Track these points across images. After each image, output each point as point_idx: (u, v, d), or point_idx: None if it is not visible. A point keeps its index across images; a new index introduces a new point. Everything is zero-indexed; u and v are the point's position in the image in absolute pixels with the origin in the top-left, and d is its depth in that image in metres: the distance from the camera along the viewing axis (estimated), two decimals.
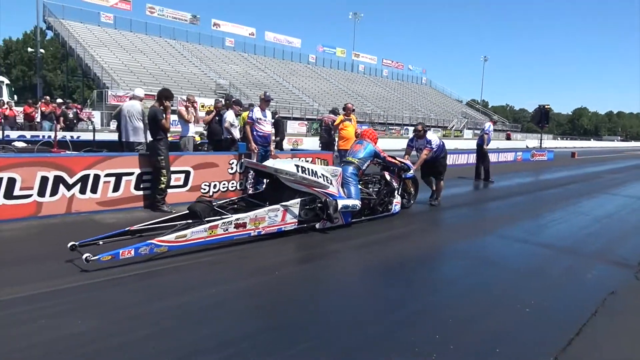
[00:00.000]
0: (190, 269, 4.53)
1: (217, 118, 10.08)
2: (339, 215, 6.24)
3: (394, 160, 7.53)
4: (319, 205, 6.04)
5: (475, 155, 14.31)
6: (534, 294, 4.26)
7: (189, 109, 9.31)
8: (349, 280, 4.65)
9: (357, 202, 6.47)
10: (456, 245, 6.10)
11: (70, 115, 16.80)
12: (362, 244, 5.87)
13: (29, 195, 6.09)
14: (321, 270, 4.89)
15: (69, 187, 6.39)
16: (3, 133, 10.50)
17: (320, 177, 6.07)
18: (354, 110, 10.37)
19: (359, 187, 6.84)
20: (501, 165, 19.00)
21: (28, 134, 13.90)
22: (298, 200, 5.88)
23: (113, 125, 27.58)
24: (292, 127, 37.25)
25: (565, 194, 11.59)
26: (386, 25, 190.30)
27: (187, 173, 7.72)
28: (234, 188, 8.40)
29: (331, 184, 6.24)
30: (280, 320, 3.51)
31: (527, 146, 38.18)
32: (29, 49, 47.18)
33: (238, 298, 3.91)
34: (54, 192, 6.27)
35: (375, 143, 7.38)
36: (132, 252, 4.36)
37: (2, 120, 14.67)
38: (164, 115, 6.95)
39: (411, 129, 48.40)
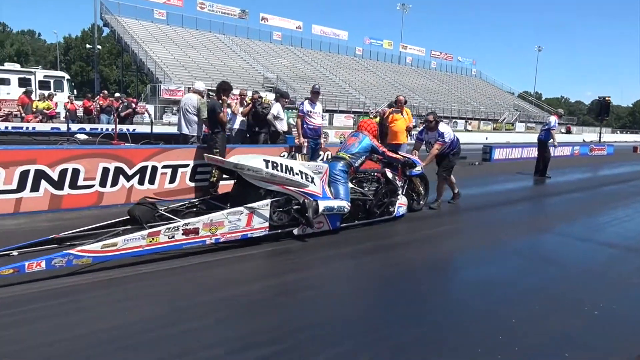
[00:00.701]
0: (241, 262, 4.60)
1: (253, 110, 10.05)
2: (324, 219, 5.48)
3: (395, 156, 6.66)
4: (296, 207, 5.23)
5: (535, 149, 13.72)
6: (600, 295, 4.04)
7: (235, 101, 9.39)
8: (405, 276, 4.57)
9: (345, 204, 5.60)
10: (512, 243, 5.87)
11: (127, 109, 17.39)
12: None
13: (92, 186, 6.37)
14: (378, 265, 4.83)
15: (128, 178, 6.64)
16: (68, 126, 11.03)
17: (297, 174, 5.24)
18: (406, 102, 10.15)
19: (351, 186, 6.03)
20: (558, 160, 18.18)
21: (87, 127, 14.54)
22: (268, 201, 4.99)
23: (166, 118, 28.52)
24: (338, 120, 37.19)
25: (628, 191, 10.97)
26: (435, 15, 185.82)
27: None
28: None
29: (312, 182, 5.42)
30: (325, 316, 3.47)
31: (584, 140, 36.43)
32: (87, 46, 49.42)
33: (282, 293, 3.91)
34: (114, 182, 6.53)
35: (375, 136, 6.51)
36: (43, 264, 3.67)
37: (66, 114, 15.45)
38: (222, 108, 7.05)
39: (460, 122, 47.37)
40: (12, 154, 5.83)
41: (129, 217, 4.63)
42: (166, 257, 4.40)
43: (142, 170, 6.75)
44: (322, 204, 5.30)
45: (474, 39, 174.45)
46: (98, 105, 17.62)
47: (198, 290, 3.84)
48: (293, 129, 9.70)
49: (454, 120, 47.81)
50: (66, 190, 6.17)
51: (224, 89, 7.12)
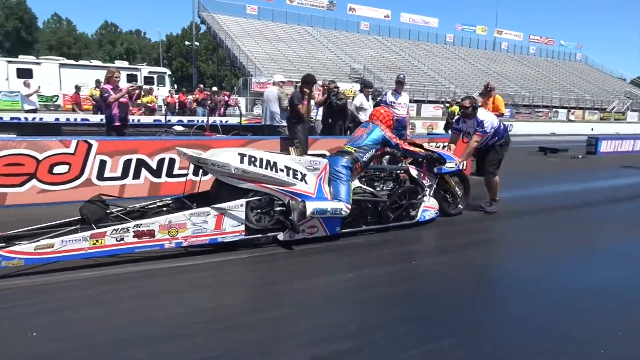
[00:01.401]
0: (333, 251, 4.65)
1: (328, 100, 9.93)
2: (319, 223, 4.80)
3: (414, 149, 5.70)
4: (279, 208, 4.62)
5: None
6: None
7: (318, 93, 9.41)
8: (496, 279, 4.35)
9: (342, 206, 4.79)
10: (613, 247, 5.34)
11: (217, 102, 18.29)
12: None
13: (185, 174, 6.75)
14: (465, 260, 4.64)
15: None
16: (165, 118, 11.83)
17: (281, 170, 4.56)
18: (492, 89, 9.59)
19: (358, 184, 5.26)
20: None
21: (185, 119, 15.49)
22: (242, 201, 4.40)
23: (256, 110, 29.59)
24: (427, 110, 36.20)
25: None
26: None
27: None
28: None
29: (303, 180, 4.73)
30: (417, 312, 3.39)
31: None
32: (186, 42, 52.61)
33: (374, 285, 3.86)
34: (205, 172, 6.86)
35: (389, 126, 5.60)
36: None
37: (165, 107, 16.58)
38: (302, 100, 7.16)
39: (562, 112, 43.94)
40: (117, 144, 6.36)
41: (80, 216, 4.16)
42: (250, 245, 4.55)
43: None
44: (312, 206, 4.58)
45: (579, 20, 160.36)
46: (194, 99, 18.73)
47: (281, 279, 3.94)
48: None
49: (554, 109, 44.54)
50: (163, 178, 6.62)
51: (306, 81, 7.22)
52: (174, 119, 15.43)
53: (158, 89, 22.83)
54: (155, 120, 14.28)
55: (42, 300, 3.34)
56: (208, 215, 4.25)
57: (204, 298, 3.50)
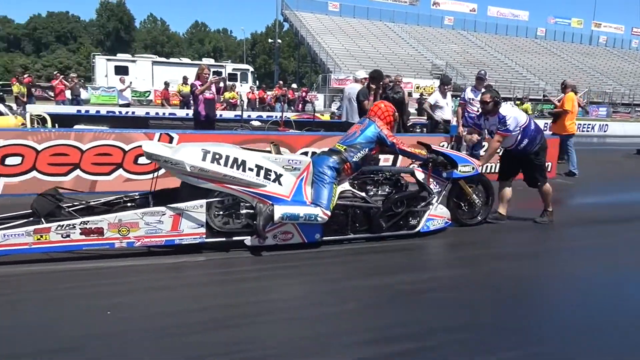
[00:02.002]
0: (398, 251, 4.54)
1: (383, 95, 9.49)
2: (294, 229, 4.30)
3: (412, 151, 4.95)
4: (246, 211, 4.21)
5: None
6: None
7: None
8: (570, 284, 4.00)
9: (318, 211, 4.24)
10: None
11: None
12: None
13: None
14: (545, 266, 4.33)
15: None
16: (242, 113, 12.21)
17: (250, 169, 4.12)
18: (567, 86, 8.91)
19: (346, 188, 4.63)
20: None
21: (264, 115, 15.94)
22: (202, 202, 4.05)
23: (334, 106, 29.77)
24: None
25: None
26: None
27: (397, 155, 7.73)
28: None
29: (276, 181, 4.26)
30: (486, 318, 3.21)
31: None
32: (270, 40, 54.20)
33: (439, 288, 3.72)
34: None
35: (389, 123, 4.89)
36: None
37: (245, 103, 17.16)
38: (368, 96, 7.08)
39: None
40: (196, 137, 6.63)
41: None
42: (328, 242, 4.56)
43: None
44: (281, 210, 4.14)
45: None
46: (274, 95, 19.23)
47: (344, 275, 3.90)
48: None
49: None
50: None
51: (372, 77, 7.15)
52: (253, 114, 15.96)
53: (241, 85, 23.71)
54: (235, 116, 14.79)
55: (126, 281, 3.58)
56: (163, 215, 3.96)
57: (277, 288, 3.55)
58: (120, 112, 14.27)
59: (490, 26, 53.66)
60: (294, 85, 20.84)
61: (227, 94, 18.76)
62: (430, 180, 4.99)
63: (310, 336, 2.86)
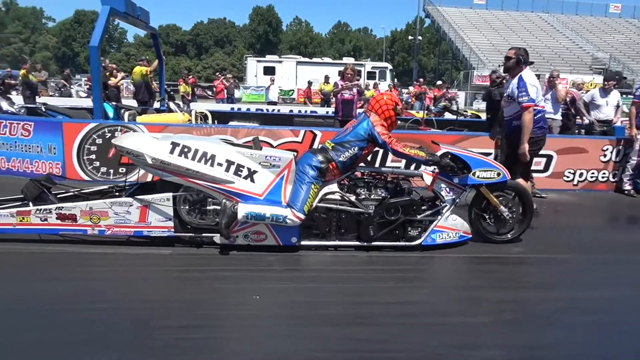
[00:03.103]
0: (544, 263, 4.20)
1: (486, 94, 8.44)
2: (267, 230, 4.05)
3: (410, 153, 4.20)
4: (212, 207, 4.07)
5: None
6: None
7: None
8: None
9: (287, 213, 3.92)
10: None
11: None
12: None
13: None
14: None
15: None
16: None
17: (219, 165, 3.96)
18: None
19: (333, 189, 4.19)
20: None
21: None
22: (169, 195, 4.02)
23: (476, 104, 28.37)
24: None
25: None
26: None
27: (550, 157, 7.11)
28: (604, 179, 7.27)
29: (248, 178, 4.03)
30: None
31: None
32: (409, 37, 53.50)
33: (579, 310, 3.30)
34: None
35: (389, 118, 4.26)
36: None
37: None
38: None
39: None
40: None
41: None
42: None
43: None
44: (245, 209, 3.91)
45: None
46: (414, 93, 18.93)
47: (487, 285, 3.71)
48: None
49: None
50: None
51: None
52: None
53: (379, 84, 23.86)
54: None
55: (291, 269, 3.85)
56: (131, 205, 4.02)
57: (409, 292, 3.51)
58: (267, 110, 15.30)
59: None
60: (439, 82, 20.21)
61: (367, 93, 18.98)
62: (443, 186, 4.32)
63: (457, 343, 2.74)
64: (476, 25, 41.43)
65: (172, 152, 3.94)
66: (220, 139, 4.71)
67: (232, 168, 4.01)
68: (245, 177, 4.04)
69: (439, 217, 4.30)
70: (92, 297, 3.19)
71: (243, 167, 4.04)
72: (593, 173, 7.24)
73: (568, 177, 7.20)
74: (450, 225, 4.35)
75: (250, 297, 3.26)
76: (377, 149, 4.49)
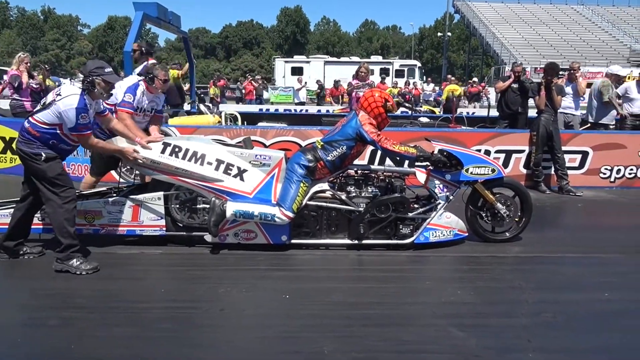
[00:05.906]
0: (585, 265, 4.09)
1: (515, 85, 8.00)
2: (257, 229, 4.08)
3: (398, 150, 4.10)
4: (202, 206, 4.15)
5: None
6: None
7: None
8: None
9: (276, 211, 3.95)
10: None
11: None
12: None
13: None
14: None
15: None
16: (413, 109, 12.10)
17: (209, 163, 4.03)
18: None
19: (324, 188, 4.17)
20: None
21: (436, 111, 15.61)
22: (160, 194, 4.10)
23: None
24: None
25: None
26: None
27: (585, 154, 6.93)
28: None
29: (238, 176, 4.08)
30: None
31: None
32: (439, 34, 52.80)
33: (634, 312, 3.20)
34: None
35: (378, 116, 4.17)
36: None
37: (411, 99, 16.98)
38: (539, 91, 6.55)
39: None
40: None
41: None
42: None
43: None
44: (234, 207, 3.95)
45: None
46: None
47: (545, 286, 3.65)
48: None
49: None
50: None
51: (544, 69, 6.55)
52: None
53: (408, 82, 23.65)
54: (402, 112, 14.78)
55: (323, 269, 3.93)
56: (123, 205, 4.11)
57: (451, 292, 3.48)
58: (295, 110, 15.38)
59: None
60: (475, 79, 19.84)
61: (394, 90, 18.85)
62: (436, 183, 4.26)
63: (484, 345, 2.71)
64: (508, 20, 40.55)
65: (163, 152, 4.06)
66: (213, 139, 4.77)
67: (222, 167, 4.09)
68: (235, 176, 4.11)
69: (432, 214, 4.26)
70: (88, 297, 3.28)
71: (233, 165, 4.11)
72: (632, 169, 7.00)
73: (605, 174, 6.99)
74: (445, 223, 4.31)
75: (240, 295, 3.34)
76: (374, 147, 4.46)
